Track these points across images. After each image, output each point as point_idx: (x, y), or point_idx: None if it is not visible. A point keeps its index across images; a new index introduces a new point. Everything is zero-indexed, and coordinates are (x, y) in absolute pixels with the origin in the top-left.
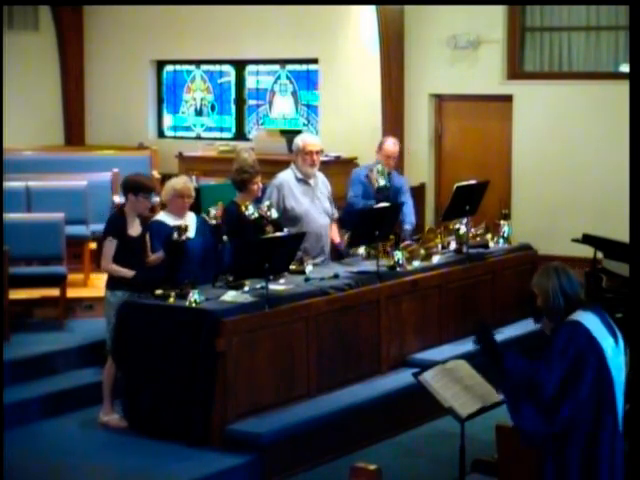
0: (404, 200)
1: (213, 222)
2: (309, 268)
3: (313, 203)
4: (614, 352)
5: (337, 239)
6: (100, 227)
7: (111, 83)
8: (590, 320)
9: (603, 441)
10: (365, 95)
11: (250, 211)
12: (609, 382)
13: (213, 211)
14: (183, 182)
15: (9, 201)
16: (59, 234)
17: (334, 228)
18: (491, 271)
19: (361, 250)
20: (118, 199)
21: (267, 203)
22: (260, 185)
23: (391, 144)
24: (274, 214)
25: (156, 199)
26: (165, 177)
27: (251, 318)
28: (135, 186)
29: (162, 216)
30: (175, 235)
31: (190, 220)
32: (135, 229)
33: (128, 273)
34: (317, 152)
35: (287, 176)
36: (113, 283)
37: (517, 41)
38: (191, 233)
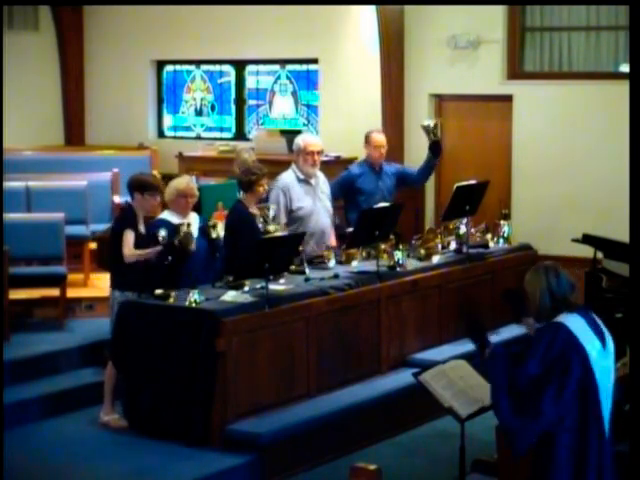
0: (411, 171)
1: (213, 236)
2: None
3: (316, 203)
4: (600, 355)
5: (334, 242)
6: (100, 227)
7: (111, 83)
8: (574, 322)
9: (591, 445)
10: (365, 95)
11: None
12: (593, 386)
13: (220, 225)
14: (186, 182)
15: (9, 201)
16: (59, 234)
17: (332, 232)
18: (491, 271)
19: (354, 262)
20: (118, 199)
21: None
22: (266, 187)
23: (378, 134)
24: (272, 229)
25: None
26: (165, 177)
27: (251, 318)
28: (140, 185)
29: (166, 214)
30: (180, 232)
31: (193, 220)
32: (142, 227)
33: (152, 251)
34: (318, 152)
35: (289, 177)
36: (118, 283)
37: (517, 41)
38: (194, 233)
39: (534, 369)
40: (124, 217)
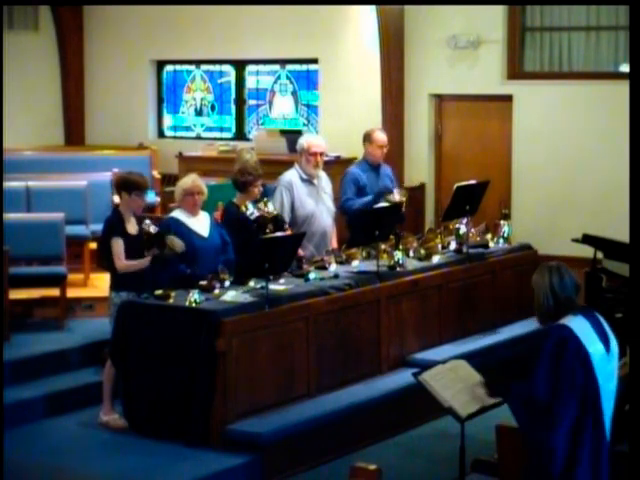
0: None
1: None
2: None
3: (318, 203)
4: (603, 359)
5: (335, 244)
6: (100, 227)
7: (111, 83)
8: (579, 324)
9: (584, 444)
10: (365, 95)
11: (250, 211)
12: (594, 388)
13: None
14: (191, 180)
15: (9, 201)
16: (59, 234)
17: (333, 233)
18: (491, 271)
19: (354, 262)
20: (118, 199)
21: (265, 200)
22: (260, 188)
23: (380, 132)
24: (271, 209)
25: (157, 199)
26: (165, 177)
27: (251, 318)
28: (128, 184)
29: (177, 213)
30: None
31: (203, 218)
32: (132, 227)
33: (143, 262)
34: (321, 153)
35: (293, 176)
36: (117, 284)
37: (517, 41)
38: (205, 232)
39: (546, 384)
40: (109, 224)
